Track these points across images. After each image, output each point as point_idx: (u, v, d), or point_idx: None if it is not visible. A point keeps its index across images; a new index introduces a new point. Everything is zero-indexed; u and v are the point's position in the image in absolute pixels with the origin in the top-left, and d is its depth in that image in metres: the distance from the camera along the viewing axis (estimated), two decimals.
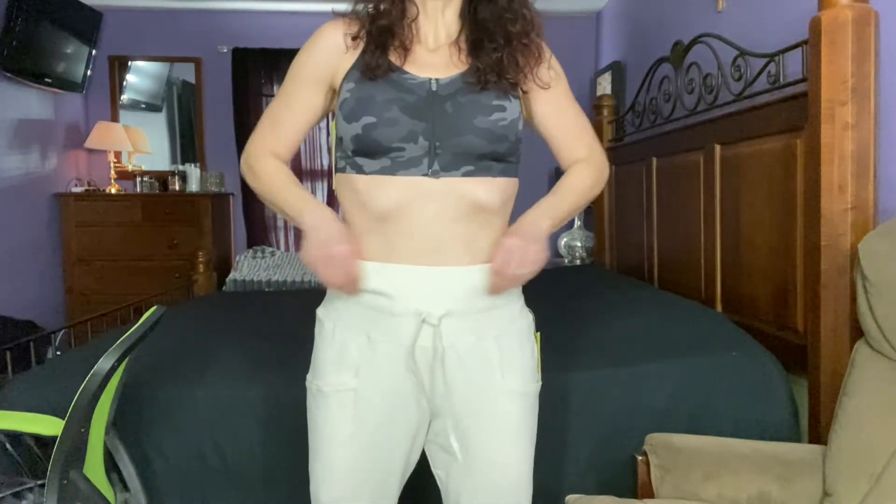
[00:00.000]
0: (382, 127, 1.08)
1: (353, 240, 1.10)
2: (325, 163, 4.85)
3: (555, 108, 1.22)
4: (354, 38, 1.14)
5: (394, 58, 1.14)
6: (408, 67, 1.13)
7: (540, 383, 1.23)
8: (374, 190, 1.11)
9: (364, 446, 1.16)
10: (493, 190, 1.13)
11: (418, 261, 1.11)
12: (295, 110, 1.19)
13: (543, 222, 1.13)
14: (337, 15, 1.18)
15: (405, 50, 1.14)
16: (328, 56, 1.16)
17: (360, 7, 1.15)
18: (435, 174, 1.09)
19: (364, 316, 1.15)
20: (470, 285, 1.13)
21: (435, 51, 1.17)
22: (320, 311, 1.22)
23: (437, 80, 1.12)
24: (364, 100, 1.10)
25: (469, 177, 1.11)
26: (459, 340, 1.15)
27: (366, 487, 1.18)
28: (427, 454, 1.24)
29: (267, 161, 1.19)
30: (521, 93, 1.17)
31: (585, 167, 1.23)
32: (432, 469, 1.25)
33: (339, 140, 1.14)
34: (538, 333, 1.25)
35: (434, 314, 1.12)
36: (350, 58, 1.15)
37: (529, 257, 1.08)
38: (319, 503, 1.20)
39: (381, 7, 1.13)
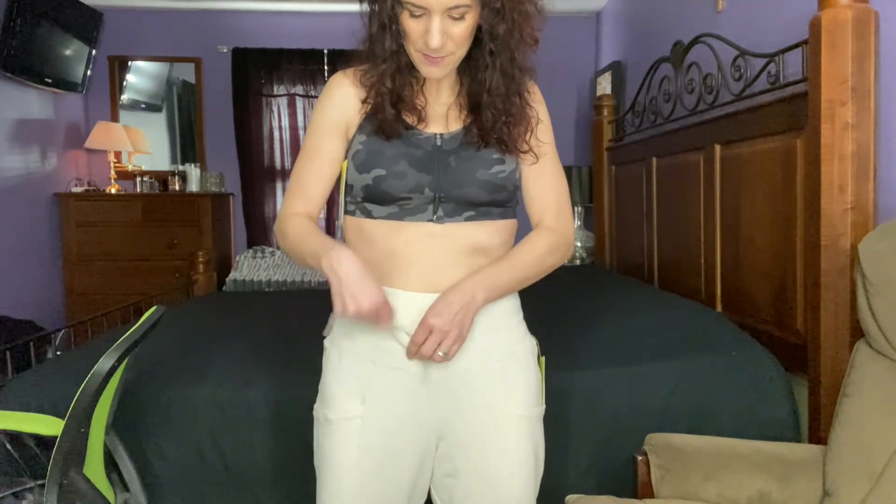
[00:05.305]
0: (391, 179, 1.14)
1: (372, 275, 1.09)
2: None
3: (536, 168, 1.25)
4: (364, 101, 1.18)
5: (404, 116, 1.18)
6: (415, 123, 1.18)
7: (543, 407, 1.26)
8: (381, 233, 1.17)
9: (370, 473, 1.18)
10: (492, 233, 1.20)
11: (420, 288, 1.16)
12: (319, 160, 1.21)
13: (479, 294, 1.13)
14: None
15: (413, 109, 1.18)
16: (342, 107, 1.20)
17: (370, 75, 1.17)
18: (439, 220, 1.17)
19: (368, 342, 1.18)
20: None
21: (440, 104, 1.21)
22: (327, 341, 1.26)
23: (441, 135, 1.19)
24: (375, 153, 1.16)
25: (470, 221, 1.18)
26: (462, 363, 1.18)
27: None
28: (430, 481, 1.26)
29: (295, 220, 1.20)
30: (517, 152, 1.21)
31: (544, 234, 1.24)
32: (433, 494, 1.27)
33: (350, 186, 1.20)
34: (542, 358, 1.27)
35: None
36: (362, 109, 1.19)
37: (448, 344, 1.10)
38: None
39: (390, 74, 1.15)
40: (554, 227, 1.25)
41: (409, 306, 1.15)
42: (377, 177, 1.14)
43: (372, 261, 1.17)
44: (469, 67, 1.17)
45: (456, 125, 1.20)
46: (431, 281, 1.16)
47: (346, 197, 1.23)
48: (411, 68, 1.16)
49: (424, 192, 1.15)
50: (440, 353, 1.10)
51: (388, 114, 1.15)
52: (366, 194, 1.16)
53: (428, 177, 1.15)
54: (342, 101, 1.20)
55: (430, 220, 1.16)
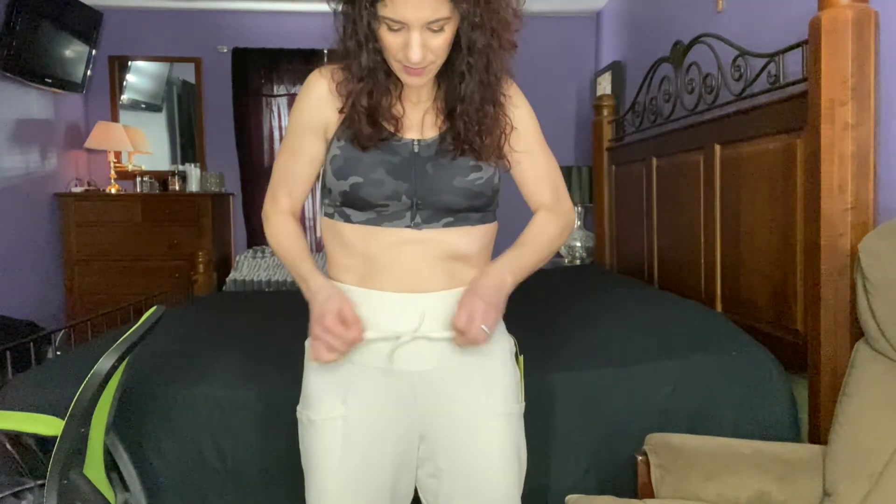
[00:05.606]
0: (368, 187, 1.14)
1: (353, 314, 1.13)
2: None
3: (526, 161, 1.25)
4: (340, 111, 1.17)
5: (381, 123, 1.16)
6: (393, 130, 1.17)
7: (523, 405, 1.27)
8: (359, 238, 1.18)
9: (353, 472, 1.18)
10: (471, 239, 1.20)
11: (398, 289, 1.16)
12: (300, 161, 1.23)
13: (507, 278, 1.17)
14: (321, 64, 1.21)
15: (391, 118, 1.17)
16: (320, 108, 1.20)
17: (346, 85, 1.15)
18: (417, 226, 1.16)
19: None
20: (448, 308, 1.16)
21: (417, 109, 1.20)
22: (308, 342, 1.25)
23: (419, 141, 1.18)
24: (352, 160, 1.16)
25: (449, 227, 1.18)
26: (442, 362, 1.19)
27: None
28: (416, 481, 1.27)
29: (279, 222, 1.24)
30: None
31: (550, 216, 1.27)
32: (420, 494, 1.27)
33: (329, 190, 1.20)
34: (521, 357, 1.28)
35: (414, 337, 1.16)
36: (340, 114, 1.18)
37: (490, 320, 1.12)
38: None
39: (367, 92, 1.14)
40: (555, 209, 1.27)
41: (384, 305, 1.16)
42: (354, 184, 1.14)
43: (349, 265, 1.19)
44: (447, 72, 1.16)
45: (432, 131, 1.19)
46: (409, 284, 1.16)
47: (323, 200, 1.24)
48: (389, 75, 1.14)
49: (402, 199, 1.15)
50: (484, 328, 1.11)
51: (364, 129, 1.14)
52: (343, 200, 1.16)
53: (405, 184, 1.15)
54: (320, 102, 1.19)
55: (408, 227, 1.16)
